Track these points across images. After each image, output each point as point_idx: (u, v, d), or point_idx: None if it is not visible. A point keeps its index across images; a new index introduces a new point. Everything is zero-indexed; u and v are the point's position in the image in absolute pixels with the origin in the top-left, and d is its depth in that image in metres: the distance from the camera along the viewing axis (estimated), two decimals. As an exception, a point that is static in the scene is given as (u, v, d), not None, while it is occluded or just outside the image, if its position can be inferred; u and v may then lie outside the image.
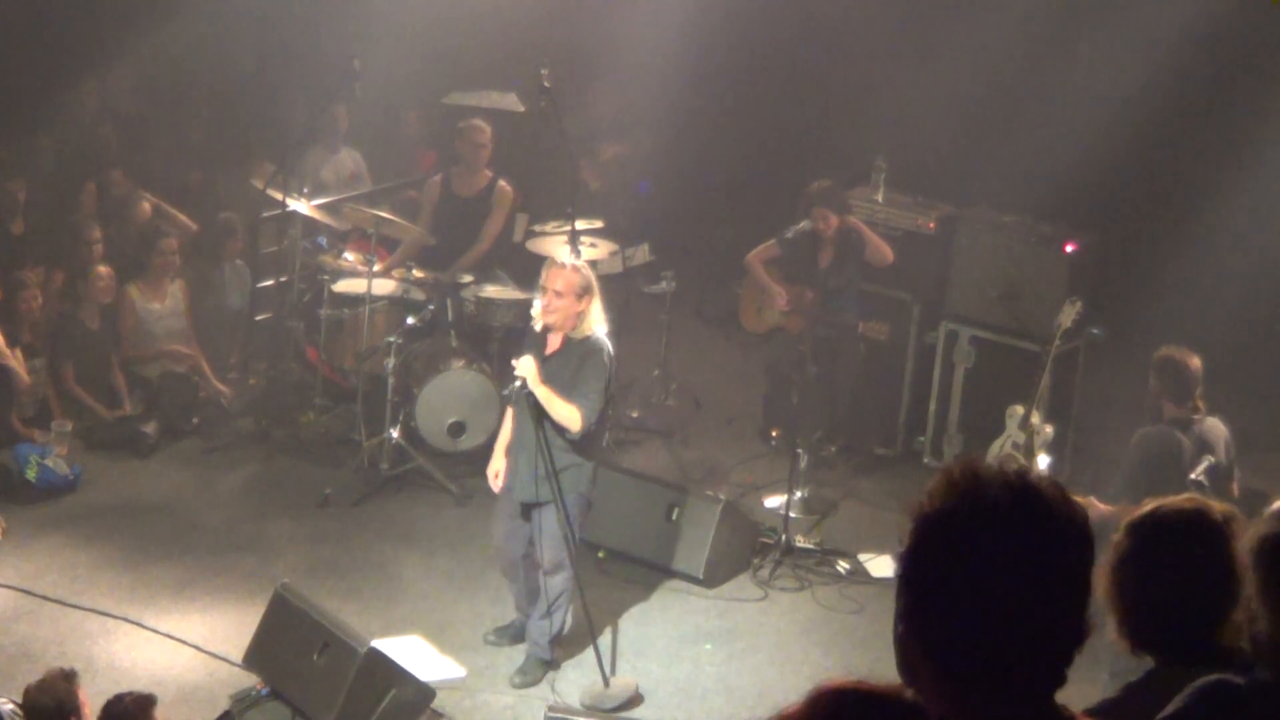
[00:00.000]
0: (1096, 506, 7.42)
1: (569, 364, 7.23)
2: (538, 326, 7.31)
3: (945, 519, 2.16)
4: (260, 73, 12.71)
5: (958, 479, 2.17)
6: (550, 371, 7.20)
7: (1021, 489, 2.16)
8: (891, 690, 2.23)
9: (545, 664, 7.61)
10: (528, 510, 7.40)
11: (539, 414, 7.14)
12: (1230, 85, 11.02)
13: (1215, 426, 7.18)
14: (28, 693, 5.65)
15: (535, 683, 7.53)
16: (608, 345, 7.34)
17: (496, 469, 7.54)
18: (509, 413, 7.56)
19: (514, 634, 7.80)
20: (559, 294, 7.15)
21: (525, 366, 7.13)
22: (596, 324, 7.30)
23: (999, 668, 2.13)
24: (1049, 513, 2.15)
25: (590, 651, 7.60)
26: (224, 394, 10.25)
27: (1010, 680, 2.15)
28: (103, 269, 10.03)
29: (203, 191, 11.78)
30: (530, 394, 7.12)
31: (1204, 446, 7.00)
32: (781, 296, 9.64)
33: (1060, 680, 2.19)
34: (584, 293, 7.21)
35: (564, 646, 7.78)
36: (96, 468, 9.43)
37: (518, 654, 7.78)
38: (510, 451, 7.45)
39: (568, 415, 7.17)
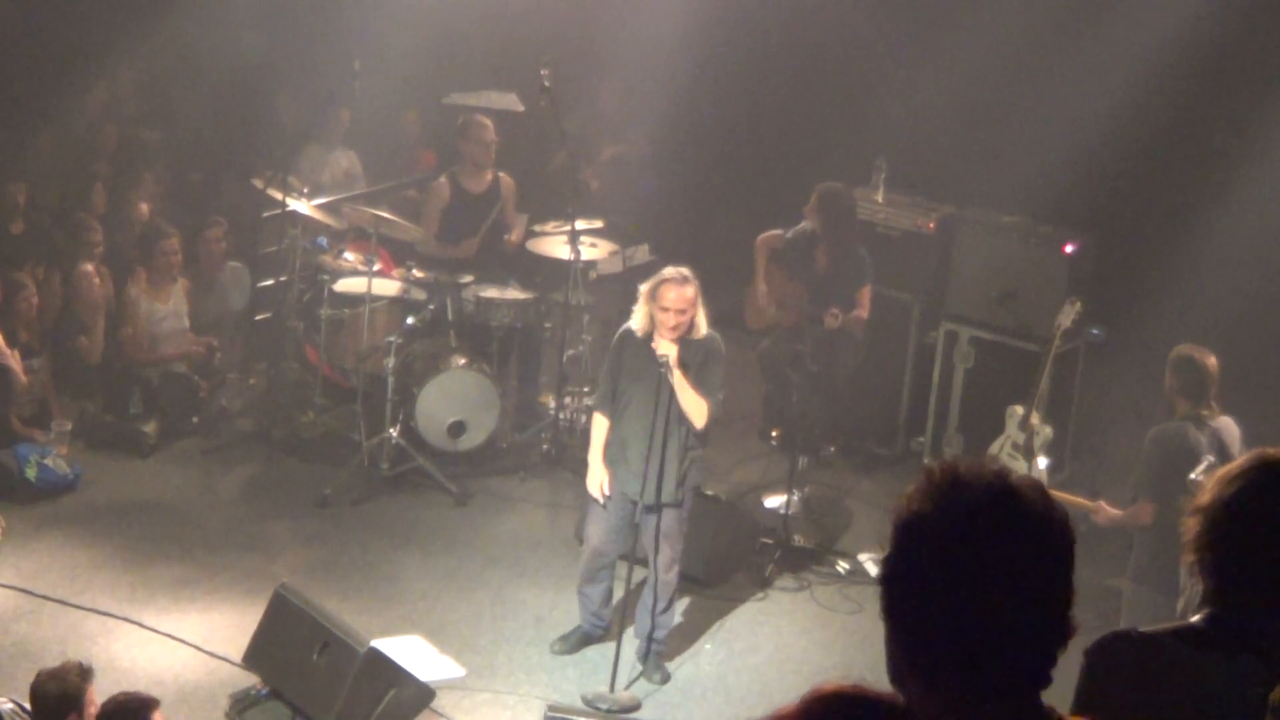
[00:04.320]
0: (1107, 511, 7.44)
1: (692, 363, 7.29)
2: (639, 332, 7.33)
3: (926, 521, 2.16)
4: (261, 72, 12.70)
5: (938, 481, 2.18)
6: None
7: (1001, 490, 2.16)
8: (886, 695, 2.23)
9: (661, 655, 7.71)
10: (638, 510, 7.43)
11: (673, 401, 7.17)
12: (1230, 86, 11.02)
13: (1229, 425, 7.20)
14: (39, 676, 5.64)
15: (669, 676, 7.65)
16: (721, 341, 7.46)
17: (602, 479, 7.47)
18: (601, 421, 7.52)
19: (579, 639, 7.78)
20: (682, 311, 7.21)
21: (667, 347, 7.18)
22: (704, 320, 7.37)
23: (983, 669, 2.14)
24: (1029, 513, 2.15)
25: (591, 651, 7.66)
26: (216, 347, 10.24)
27: (995, 681, 2.15)
28: (89, 266, 10.01)
29: (202, 191, 11.79)
30: (668, 376, 7.14)
31: (1218, 444, 7.03)
32: (762, 291, 9.68)
33: (1045, 680, 2.20)
34: (698, 298, 7.30)
35: (572, 650, 7.83)
36: (96, 467, 9.43)
37: (518, 654, 7.79)
38: (625, 455, 7.42)
39: (698, 406, 7.27)
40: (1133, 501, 7.24)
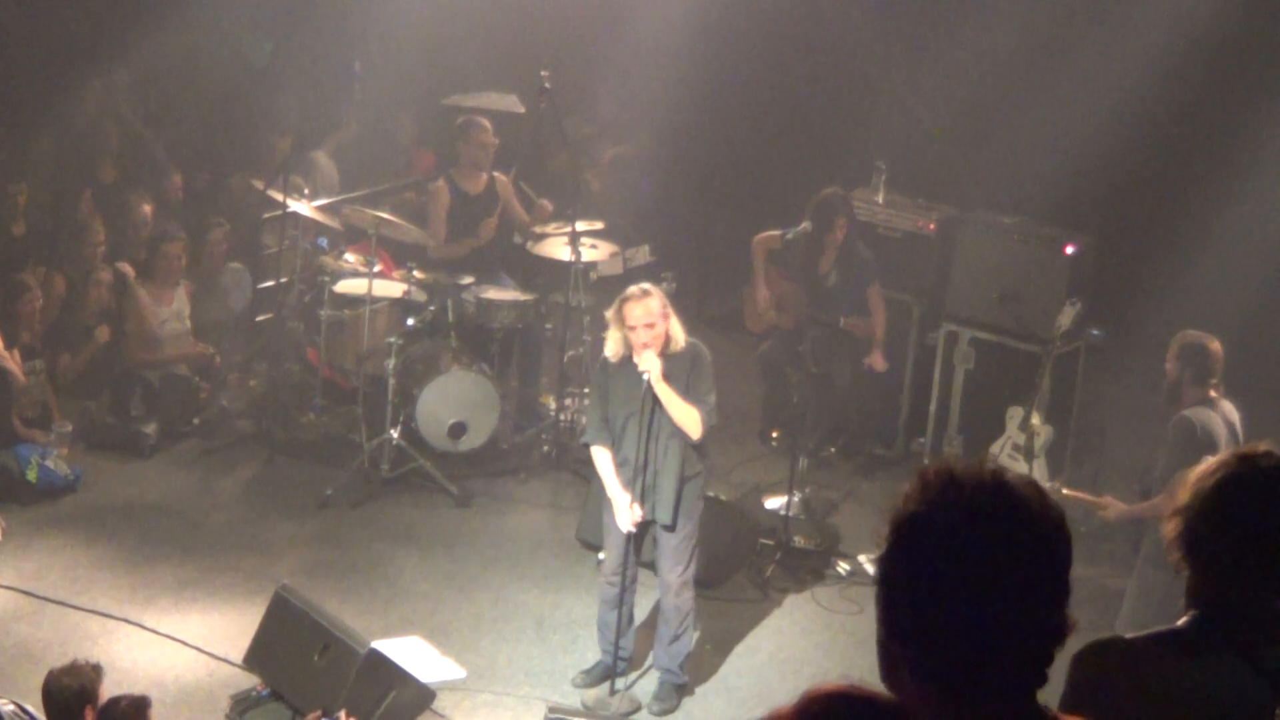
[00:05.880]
0: (1117, 506, 7.42)
1: (679, 375, 7.10)
2: (614, 359, 7.17)
3: (921, 521, 2.17)
4: (262, 74, 12.72)
5: (933, 481, 2.18)
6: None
7: (996, 489, 2.16)
8: (883, 695, 2.23)
9: (680, 688, 7.49)
10: (645, 530, 7.28)
11: (661, 416, 7.01)
12: (1229, 86, 11.02)
13: (1232, 409, 7.23)
14: (51, 673, 5.67)
15: (675, 709, 7.42)
16: (705, 348, 7.29)
17: (630, 505, 7.18)
18: (601, 451, 7.27)
19: (602, 673, 7.54)
20: (650, 325, 7.02)
21: (649, 360, 6.98)
22: (680, 330, 7.19)
23: (979, 668, 2.14)
24: (1025, 512, 2.16)
25: (594, 652, 7.65)
26: (214, 354, 10.23)
27: (991, 681, 2.15)
28: (104, 274, 10.02)
29: (203, 192, 11.79)
30: (652, 392, 6.97)
31: (1230, 427, 7.05)
32: (764, 295, 9.69)
33: (1042, 680, 2.20)
34: (666, 308, 7.12)
35: (573, 652, 7.83)
36: (97, 469, 9.44)
37: (518, 655, 7.80)
38: (627, 478, 7.21)
39: (689, 418, 7.07)
40: (1161, 489, 7.12)
